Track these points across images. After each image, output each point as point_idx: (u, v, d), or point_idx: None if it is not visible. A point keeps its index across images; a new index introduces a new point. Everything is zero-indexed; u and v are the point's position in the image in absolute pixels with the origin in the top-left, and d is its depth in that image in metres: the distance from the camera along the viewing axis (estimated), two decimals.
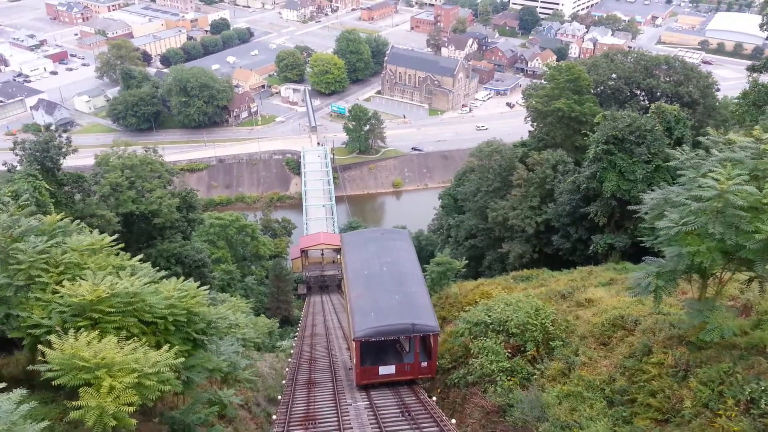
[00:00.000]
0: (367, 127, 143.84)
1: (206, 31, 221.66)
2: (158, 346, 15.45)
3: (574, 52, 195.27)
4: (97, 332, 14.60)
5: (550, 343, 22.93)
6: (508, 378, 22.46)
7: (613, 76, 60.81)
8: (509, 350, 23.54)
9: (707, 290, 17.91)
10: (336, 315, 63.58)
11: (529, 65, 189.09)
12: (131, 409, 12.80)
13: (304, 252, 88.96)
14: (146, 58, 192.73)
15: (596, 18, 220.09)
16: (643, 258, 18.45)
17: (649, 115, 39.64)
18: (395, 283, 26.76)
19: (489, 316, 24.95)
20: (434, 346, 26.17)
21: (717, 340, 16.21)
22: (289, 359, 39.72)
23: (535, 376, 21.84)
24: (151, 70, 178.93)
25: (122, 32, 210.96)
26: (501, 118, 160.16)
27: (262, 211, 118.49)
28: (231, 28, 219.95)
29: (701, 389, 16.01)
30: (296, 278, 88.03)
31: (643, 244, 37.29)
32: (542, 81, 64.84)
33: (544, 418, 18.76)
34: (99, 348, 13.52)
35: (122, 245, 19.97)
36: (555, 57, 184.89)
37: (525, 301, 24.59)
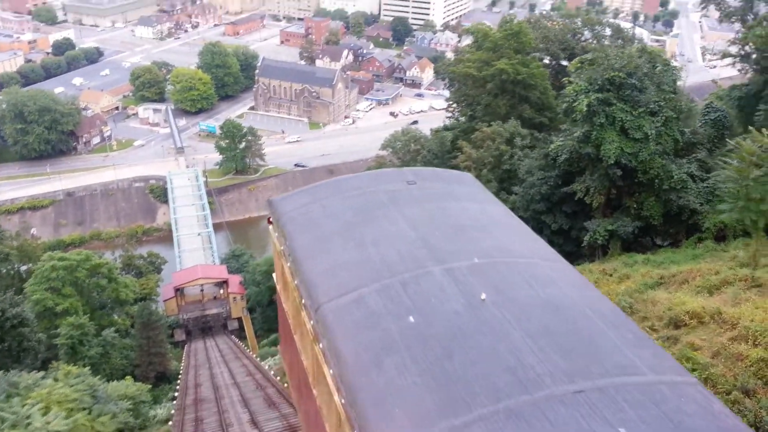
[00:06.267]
0: (243, 144, 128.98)
1: (47, 53, 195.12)
2: None
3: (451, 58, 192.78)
4: None
5: None
6: None
7: (541, 45, 52.25)
8: None
9: None
10: (226, 365, 49.59)
11: (407, 74, 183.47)
12: None
13: (178, 290, 73.98)
14: None
15: (466, 28, 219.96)
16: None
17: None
18: (574, 369, 6.61)
19: None
20: None
21: None
22: None
23: None
24: None
25: None
26: (386, 128, 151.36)
27: (122, 247, 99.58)
28: (77, 48, 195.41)
29: None
30: (171, 323, 72.72)
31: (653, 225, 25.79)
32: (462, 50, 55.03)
33: None
34: None
35: None
36: (432, 65, 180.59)
37: None
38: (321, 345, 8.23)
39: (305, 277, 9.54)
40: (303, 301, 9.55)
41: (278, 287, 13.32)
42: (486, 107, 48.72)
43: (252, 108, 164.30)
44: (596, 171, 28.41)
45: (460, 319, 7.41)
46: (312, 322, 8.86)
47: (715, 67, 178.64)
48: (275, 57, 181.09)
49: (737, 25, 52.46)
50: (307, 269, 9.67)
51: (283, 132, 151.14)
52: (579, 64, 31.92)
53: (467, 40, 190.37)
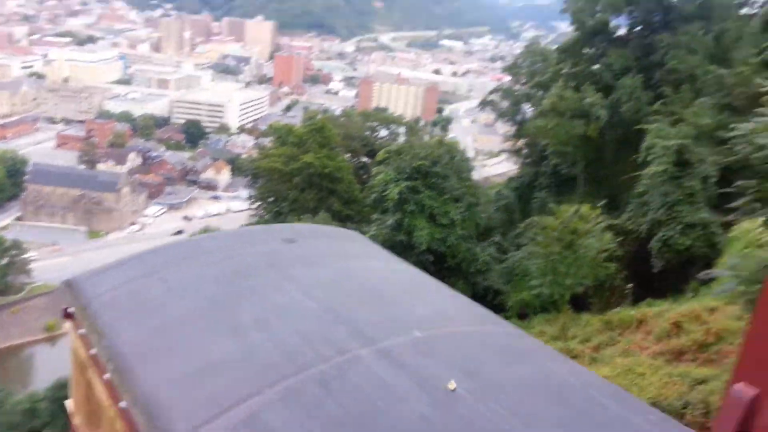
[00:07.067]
0: (5, 260, 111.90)
1: None
2: None
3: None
4: None
5: None
6: None
7: (342, 142, 54.21)
8: None
9: None
10: None
11: (202, 176, 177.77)
12: None
13: None
14: None
15: (270, 124, 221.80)
16: None
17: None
18: None
19: None
20: None
21: None
22: None
23: None
24: None
25: None
26: (178, 234, 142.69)
27: None
28: None
29: None
30: None
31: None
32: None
33: None
34: None
35: None
36: (230, 167, 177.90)
37: None
38: None
39: (144, 392, 5.83)
40: None
41: (76, 420, 8.65)
42: (293, 202, 48.83)
43: (19, 218, 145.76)
44: (409, 258, 28.03)
45: (433, 427, 5.12)
46: None
47: (485, 165, 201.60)
48: (50, 161, 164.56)
49: (504, 129, 59.12)
50: (146, 379, 6.05)
51: (54, 244, 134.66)
52: (386, 155, 33.30)
53: (265, 142, 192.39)
